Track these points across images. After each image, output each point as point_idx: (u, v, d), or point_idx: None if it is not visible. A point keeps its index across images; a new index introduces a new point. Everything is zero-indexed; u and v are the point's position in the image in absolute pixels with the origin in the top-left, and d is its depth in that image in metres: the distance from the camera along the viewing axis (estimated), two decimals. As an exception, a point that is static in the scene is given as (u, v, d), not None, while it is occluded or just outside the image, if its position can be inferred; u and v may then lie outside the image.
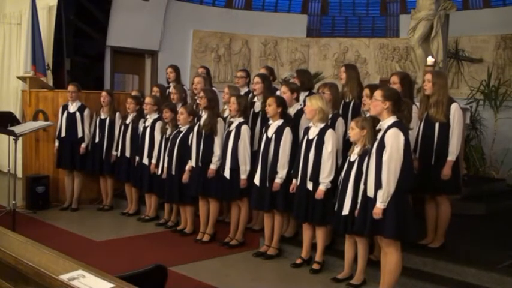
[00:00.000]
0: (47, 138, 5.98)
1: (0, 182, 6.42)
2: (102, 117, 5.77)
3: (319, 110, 3.78)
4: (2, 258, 1.68)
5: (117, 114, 5.76)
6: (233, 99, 4.42)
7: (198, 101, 4.94)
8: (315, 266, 3.90)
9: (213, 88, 5.31)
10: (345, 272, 3.69)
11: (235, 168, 4.36)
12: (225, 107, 4.84)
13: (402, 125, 3.16)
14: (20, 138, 5.50)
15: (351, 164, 3.52)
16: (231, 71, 8.66)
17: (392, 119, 3.15)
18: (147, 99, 5.36)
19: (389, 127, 3.11)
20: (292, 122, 4.19)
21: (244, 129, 4.37)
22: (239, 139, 4.34)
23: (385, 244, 3.22)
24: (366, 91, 3.72)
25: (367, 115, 3.63)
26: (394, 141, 3.06)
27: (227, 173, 4.41)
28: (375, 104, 3.18)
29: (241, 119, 4.41)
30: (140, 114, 5.52)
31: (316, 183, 3.77)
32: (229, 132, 4.44)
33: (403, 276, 3.35)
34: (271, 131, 4.11)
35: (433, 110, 3.76)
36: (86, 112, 5.77)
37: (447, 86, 3.90)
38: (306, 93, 4.52)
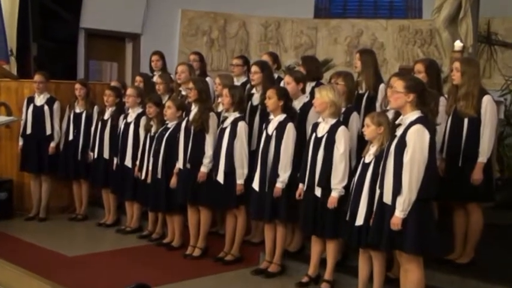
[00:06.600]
0: (9, 136, 5.97)
1: (-44, 187, 6.39)
2: (77, 111, 5.76)
3: (331, 103, 3.77)
4: (-43, 277, 1.67)
5: (95, 107, 5.75)
6: (225, 91, 4.41)
7: (184, 93, 4.92)
8: (324, 286, 3.90)
9: (208, 77, 5.30)
10: (359, 292, 3.69)
11: (230, 172, 4.35)
12: (219, 100, 4.84)
13: (427, 121, 3.15)
14: (-21, 136, 5.50)
15: (366, 166, 3.52)
16: (226, 57, 8.64)
17: (416, 114, 3.14)
18: (129, 91, 5.36)
19: (412, 123, 3.11)
20: (298, 117, 4.18)
21: (241, 126, 4.36)
22: (235, 137, 4.33)
23: (405, 260, 3.21)
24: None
25: (388, 108, 3.63)
26: (418, 139, 3.05)
27: (221, 178, 4.40)
28: (396, 97, 3.17)
29: (236, 114, 4.40)
30: (120, 109, 5.51)
31: (326, 189, 3.77)
32: (223, 130, 4.43)
33: (427, 297, 3.35)
34: (271, 128, 4.11)
35: (462, 103, 3.76)
36: (56, 105, 5.76)
37: (479, 76, 3.91)
38: (313, 83, 4.52)
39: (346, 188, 3.72)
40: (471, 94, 3.74)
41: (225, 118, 4.48)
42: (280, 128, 4.06)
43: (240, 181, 4.34)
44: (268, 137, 4.11)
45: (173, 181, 4.74)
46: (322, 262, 3.97)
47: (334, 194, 3.73)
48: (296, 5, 8.77)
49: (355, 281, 3.74)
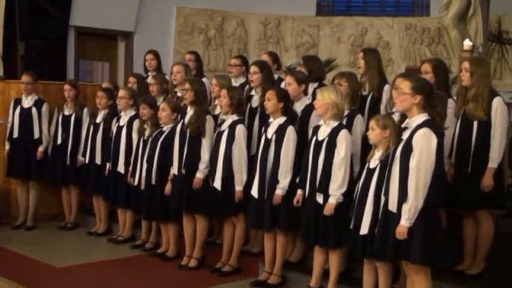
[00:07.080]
0: (-5, 140, 5.98)
1: None
2: (67, 113, 5.77)
3: (333, 105, 3.78)
4: None
5: (85, 110, 5.77)
6: (223, 92, 4.43)
7: (179, 94, 4.93)
8: (327, 298, 3.91)
9: (204, 78, 5.32)
10: (364, 304, 3.70)
11: (228, 178, 4.36)
12: (216, 102, 4.85)
13: (435, 124, 3.17)
14: (-37, 140, 5.51)
15: (371, 171, 3.52)
16: (223, 57, 8.67)
17: (423, 117, 3.16)
18: (121, 92, 5.37)
19: (418, 126, 3.12)
20: (299, 120, 4.20)
21: (240, 129, 4.37)
22: (233, 141, 4.34)
23: (411, 271, 3.22)
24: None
25: (393, 110, 3.65)
26: (425, 144, 3.06)
27: (218, 184, 4.41)
28: (403, 98, 3.19)
29: (235, 117, 4.42)
30: (113, 112, 5.52)
31: (326, 196, 3.78)
32: (220, 133, 4.44)
33: (435, 310, 3.36)
34: (271, 131, 4.12)
35: (472, 105, 3.77)
36: (44, 108, 5.78)
37: (489, 76, 3.92)
38: (315, 84, 4.54)
39: (349, 194, 3.73)
40: (481, 96, 3.75)
41: (223, 121, 4.49)
42: (280, 132, 4.07)
43: (239, 187, 4.34)
44: (268, 141, 4.11)
45: (168, 188, 4.74)
46: (325, 273, 3.96)
47: (332, 201, 3.73)
48: (297, 2, 8.81)
49: (359, 293, 3.76)
